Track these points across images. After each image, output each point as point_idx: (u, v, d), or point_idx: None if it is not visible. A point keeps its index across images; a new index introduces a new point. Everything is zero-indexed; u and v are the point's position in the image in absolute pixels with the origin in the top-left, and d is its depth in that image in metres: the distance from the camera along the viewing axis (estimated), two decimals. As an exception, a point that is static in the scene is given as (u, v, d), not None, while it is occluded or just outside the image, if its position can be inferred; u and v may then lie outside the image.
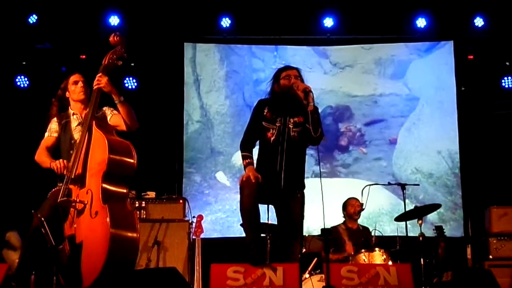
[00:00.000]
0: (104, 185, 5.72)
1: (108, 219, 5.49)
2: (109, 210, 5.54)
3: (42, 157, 6.17)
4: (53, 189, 6.01)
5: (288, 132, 6.29)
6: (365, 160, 10.78)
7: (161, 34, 10.75)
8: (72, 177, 5.81)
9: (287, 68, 6.58)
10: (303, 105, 6.15)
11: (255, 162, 6.37)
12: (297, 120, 6.31)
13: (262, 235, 7.38)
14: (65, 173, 5.86)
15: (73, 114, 6.24)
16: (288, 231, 6.36)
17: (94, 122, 5.97)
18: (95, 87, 6.05)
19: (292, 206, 6.31)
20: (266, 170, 6.24)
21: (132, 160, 5.93)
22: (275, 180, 6.21)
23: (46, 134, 6.29)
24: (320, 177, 6.43)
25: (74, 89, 6.25)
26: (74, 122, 6.19)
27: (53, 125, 6.28)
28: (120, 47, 6.20)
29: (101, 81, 6.02)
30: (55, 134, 6.24)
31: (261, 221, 6.28)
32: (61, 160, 5.97)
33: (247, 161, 6.31)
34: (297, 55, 10.91)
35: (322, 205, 6.25)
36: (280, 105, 6.37)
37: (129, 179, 5.93)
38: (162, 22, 10.64)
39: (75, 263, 5.54)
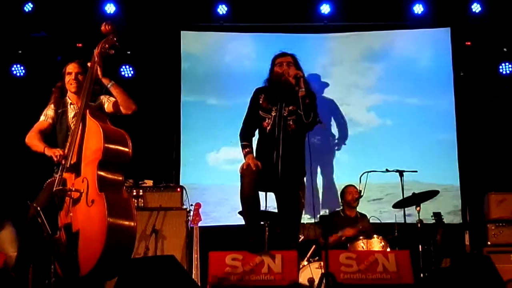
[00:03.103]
0: (100, 173, 5.74)
1: (105, 207, 5.50)
2: (106, 198, 5.55)
3: (33, 140, 6.17)
4: (49, 179, 6.01)
5: (284, 122, 6.31)
6: (363, 146, 10.77)
7: (157, 22, 10.70)
8: (67, 166, 5.82)
9: (281, 55, 6.61)
10: (295, 92, 6.16)
11: (254, 150, 6.38)
12: (291, 109, 6.31)
13: (261, 222, 7.39)
14: (62, 162, 5.85)
15: (70, 103, 6.25)
16: (287, 219, 6.37)
17: (88, 111, 5.97)
18: (89, 71, 6.09)
19: (290, 194, 6.34)
20: (264, 159, 6.26)
21: (127, 148, 5.94)
22: (272, 169, 6.22)
23: (42, 118, 6.31)
24: (311, 168, 6.46)
25: (68, 80, 6.26)
26: (71, 112, 6.21)
27: (50, 111, 6.31)
28: (112, 36, 6.21)
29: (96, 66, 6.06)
30: (50, 120, 6.27)
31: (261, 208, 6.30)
32: (58, 148, 5.97)
33: (246, 150, 6.33)
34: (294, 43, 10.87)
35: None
36: (275, 94, 6.39)
37: (124, 167, 5.95)
38: (158, 10, 10.59)
39: (72, 252, 5.54)
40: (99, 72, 6.08)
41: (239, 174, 6.26)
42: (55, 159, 5.90)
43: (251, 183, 6.11)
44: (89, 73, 6.11)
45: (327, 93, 10.83)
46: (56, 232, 5.66)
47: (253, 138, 6.55)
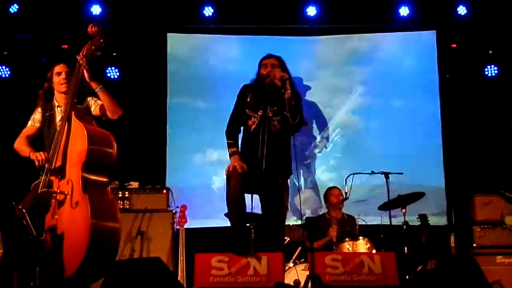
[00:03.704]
0: (84, 175, 5.74)
1: (88, 209, 5.51)
2: (89, 200, 5.56)
3: (21, 145, 6.18)
4: (36, 181, 6.00)
5: (269, 122, 6.31)
6: (349, 147, 10.79)
7: (143, 24, 10.68)
8: (52, 168, 5.81)
9: (267, 56, 6.64)
10: (281, 93, 6.18)
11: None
12: (276, 109, 6.32)
13: (247, 224, 7.39)
14: (46, 165, 5.84)
15: (58, 106, 6.26)
16: (272, 221, 6.37)
17: (73, 112, 5.97)
18: (75, 73, 6.07)
19: (274, 196, 6.34)
20: (248, 159, 6.25)
21: (111, 150, 5.95)
22: (256, 170, 6.22)
23: (29, 123, 6.32)
24: (297, 169, 6.47)
25: (58, 80, 6.25)
26: (59, 115, 6.20)
27: (37, 116, 6.31)
28: (99, 38, 6.21)
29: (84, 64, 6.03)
30: (38, 124, 6.27)
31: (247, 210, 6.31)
32: (42, 152, 5.95)
33: (232, 149, 6.33)
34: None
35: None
36: (262, 94, 6.39)
37: (109, 169, 5.96)
38: (145, 11, 10.58)
39: (57, 254, 5.53)
40: (86, 74, 6.07)
41: (225, 176, 6.26)
42: (36, 163, 5.90)
43: (237, 185, 6.12)
44: (75, 74, 6.10)
45: (312, 96, 10.84)
46: (41, 234, 5.65)
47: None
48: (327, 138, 10.82)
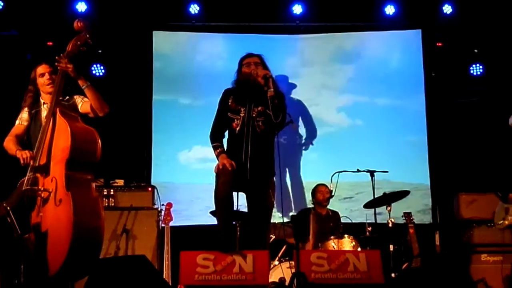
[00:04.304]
0: (68, 172, 5.73)
1: (71, 207, 5.51)
2: (72, 197, 5.56)
3: (9, 143, 6.18)
4: (22, 179, 5.97)
5: (253, 123, 6.31)
6: (335, 145, 10.82)
7: (129, 21, 10.65)
8: (37, 165, 5.80)
9: (248, 55, 6.63)
10: (264, 92, 6.17)
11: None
12: (260, 110, 6.32)
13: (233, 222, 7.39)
14: (31, 162, 5.82)
15: (44, 103, 6.23)
16: (257, 219, 6.37)
17: (58, 109, 5.95)
18: (60, 70, 6.02)
19: (260, 195, 6.34)
20: (233, 160, 6.24)
21: (95, 147, 5.94)
22: (241, 170, 6.22)
23: (17, 122, 6.32)
24: (280, 167, 6.47)
25: (43, 81, 6.23)
26: (44, 112, 6.17)
27: (24, 114, 6.31)
28: (84, 33, 6.18)
29: (68, 67, 5.99)
30: (25, 123, 6.27)
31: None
32: (27, 150, 5.93)
33: (218, 150, 6.34)
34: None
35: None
36: (244, 95, 6.39)
37: (93, 166, 5.95)
38: (130, 9, 10.54)
39: (41, 252, 5.51)
40: (70, 71, 6.03)
41: (215, 174, 6.26)
42: (21, 161, 5.88)
43: (226, 184, 6.11)
44: (59, 71, 6.07)
45: (297, 94, 10.86)
46: (26, 232, 5.63)
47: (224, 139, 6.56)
48: (313, 136, 10.83)
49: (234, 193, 6.34)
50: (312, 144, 10.82)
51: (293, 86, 10.85)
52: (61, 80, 6.04)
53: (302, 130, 10.85)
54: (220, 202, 6.17)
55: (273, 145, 6.46)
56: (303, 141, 10.83)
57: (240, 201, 6.47)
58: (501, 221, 7.69)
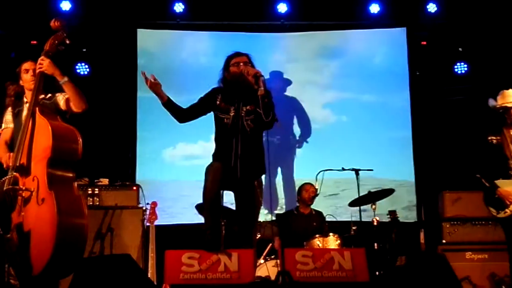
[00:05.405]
0: (50, 171, 5.70)
1: (54, 206, 5.48)
2: (55, 196, 5.53)
3: (0, 152, 6.15)
4: (2, 179, 5.94)
5: (242, 122, 6.29)
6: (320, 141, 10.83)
7: (113, 19, 10.62)
8: (17, 164, 5.76)
9: (237, 54, 6.58)
10: (254, 91, 6.15)
11: (212, 151, 6.44)
12: (249, 109, 6.31)
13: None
14: (11, 163, 5.80)
15: (26, 102, 6.19)
16: (245, 218, 6.36)
17: (37, 108, 5.92)
18: (37, 71, 6.01)
19: (248, 194, 6.32)
20: (223, 159, 6.23)
21: (76, 146, 5.92)
22: (231, 170, 6.20)
23: (3, 126, 6.29)
24: (269, 165, 6.47)
25: (25, 77, 6.20)
26: (25, 111, 6.11)
27: (8, 116, 6.29)
28: (62, 32, 6.15)
29: (43, 64, 5.97)
30: (11, 125, 6.25)
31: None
32: (11, 154, 5.91)
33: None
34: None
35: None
36: (232, 94, 6.38)
37: (75, 164, 5.93)
38: (115, 7, 10.52)
39: (24, 252, 5.49)
40: (45, 69, 5.99)
41: (204, 172, 6.22)
42: (4, 165, 5.89)
43: (214, 183, 6.09)
44: (37, 72, 6.05)
45: (283, 90, 10.85)
46: (8, 232, 5.60)
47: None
48: (307, 134, 10.85)
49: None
50: (307, 141, 10.83)
51: (289, 82, 10.89)
52: (40, 81, 6.00)
53: (296, 128, 10.88)
54: (207, 201, 6.15)
55: (262, 144, 6.45)
56: (297, 139, 10.83)
57: (226, 198, 6.48)
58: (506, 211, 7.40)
